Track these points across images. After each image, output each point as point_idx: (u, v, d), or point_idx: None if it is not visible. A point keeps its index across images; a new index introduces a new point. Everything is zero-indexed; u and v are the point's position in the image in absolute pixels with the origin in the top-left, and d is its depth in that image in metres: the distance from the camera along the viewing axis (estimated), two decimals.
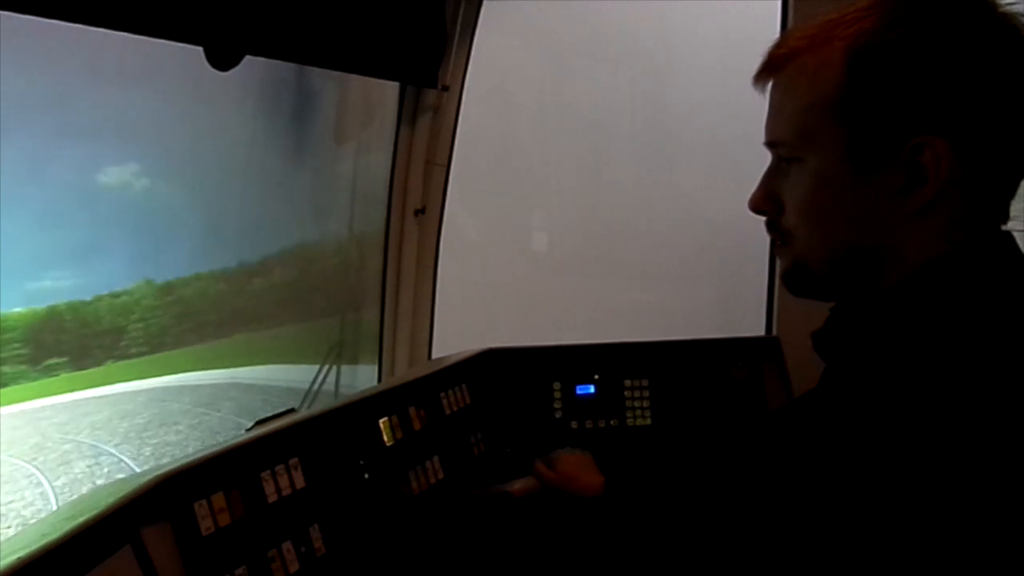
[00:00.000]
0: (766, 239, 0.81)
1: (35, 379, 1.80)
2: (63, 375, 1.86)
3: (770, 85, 0.75)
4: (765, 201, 0.77)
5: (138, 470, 1.92)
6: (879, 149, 0.67)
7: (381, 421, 1.31)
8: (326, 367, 1.94)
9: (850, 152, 0.69)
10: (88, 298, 1.85)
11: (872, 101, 0.67)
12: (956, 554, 0.56)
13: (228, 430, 2.20)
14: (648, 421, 1.67)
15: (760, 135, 0.78)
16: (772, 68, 0.74)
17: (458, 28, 1.85)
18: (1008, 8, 0.67)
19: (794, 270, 0.77)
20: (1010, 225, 0.72)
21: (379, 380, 1.98)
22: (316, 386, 1.89)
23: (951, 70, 0.64)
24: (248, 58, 1.31)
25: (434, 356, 1.97)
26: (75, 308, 1.85)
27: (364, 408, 1.30)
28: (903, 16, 0.66)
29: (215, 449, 1.03)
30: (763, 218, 0.79)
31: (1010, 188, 0.70)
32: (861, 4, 0.69)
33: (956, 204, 0.68)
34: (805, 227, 0.73)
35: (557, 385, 1.69)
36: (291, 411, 1.27)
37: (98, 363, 1.95)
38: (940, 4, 0.66)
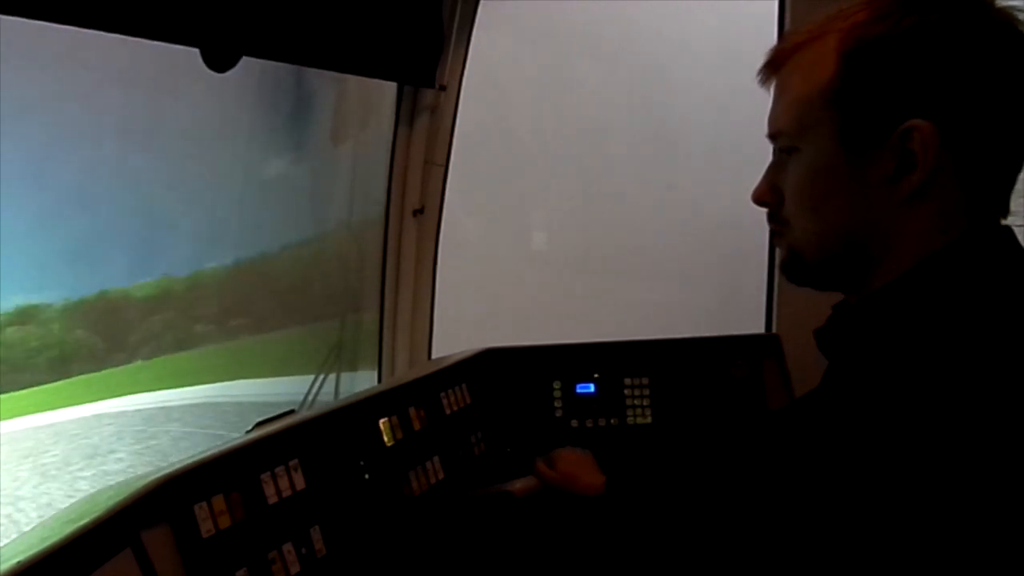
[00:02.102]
0: (766, 236, 0.82)
1: (219, 341, 1.85)
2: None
3: (774, 80, 0.77)
4: (767, 193, 0.79)
5: None
6: (870, 136, 0.69)
7: (381, 421, 1.31)
8: (323, 374, 1.93)
9: (843, 140, 0.70)
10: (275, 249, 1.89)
11: (863, 89, 0.69)
12: (962, 554, 0.56)
13: None
14: (648, 420, 1.67)
15: (758, 132, 0.79)
16: (774, 64, 0.77)
17: (455, 27, 1.85)
18: (1004, 4, 0.68)
19: (791, 258, 0.79)
20: (1010, 220, 0.72)
21: (379, 380, 1.98)
22: (311, 396, 1.88)
23: (938, 59, 0.66)
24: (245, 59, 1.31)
25: (434, 356, 1.97)
26: (257, 264, 1.87)
27: (364, 409, 1.29)
28: (895, 9, 0.68)
29: (215, 451, 1.03)
30: (765, 211, 0.80)
31: (1007, 179, 0.71)
32: (858, 0, 0.71)
33: (949, 193, 0.69)
34: (801, 215, 0.76)
35: (557, 384, 1.68)
36: (291, 412, 1.26)
37: (278, 326, 1.96)
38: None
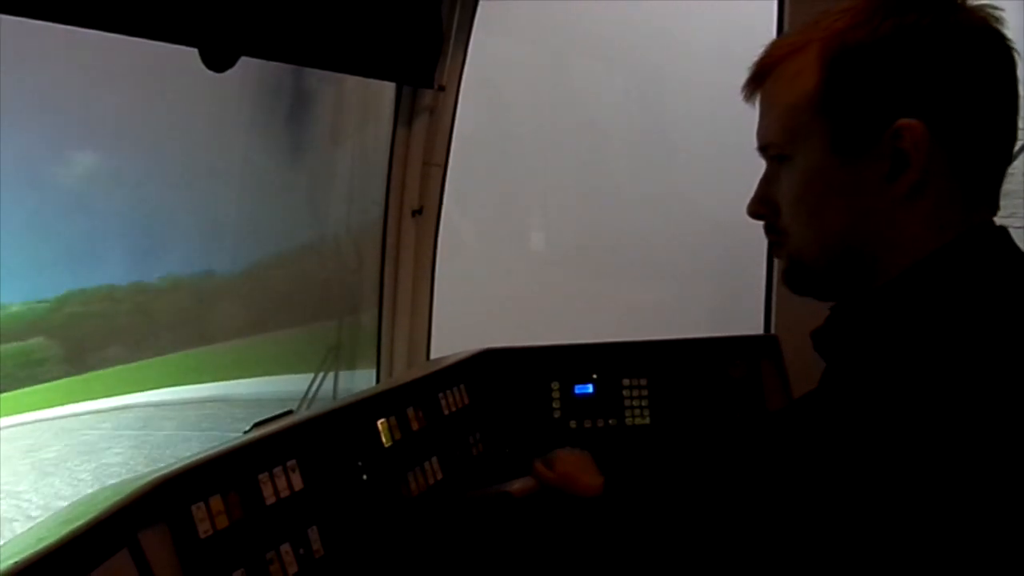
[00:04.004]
0: (764, 237, 0.82)
1: None
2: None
3: (758, 94, 0.79)
4: (761, 205, 0.80)
5: None
6: (861, 139, 0.70)
7: (379, 422, 1.31)
8: (322, 373, 1.93)
9: (834, 145, 0.71)
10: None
11: (849, 94, 0.70)
12: (961, 554, 0.56)
13: None
14: (647, 420, 1.67)
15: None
16: (758, 78, 0.78)
17: (454, 28, 1.85)
18: (974, 3, 0.70)
19: (792, 267, 0.79)
20: (1008, 221, 0.72)
21: (377, 381, 1.98)
22: (312, 392, 1.89)
23: (919, 59, 0.68)
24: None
25: (432, 357, 1.97)
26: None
27: (362, 409, 1.29)
28: (872, 14, 0.70)
29: (213, 451, 1.03)
30: (762, 223, 0.81)
31: (996, 174, 0.72)
32: (836, 9, 0.72)
33: (944, 191, 0.69)
34: (799, 222, 0.76)
35: (555, 385, 1.68)
36: (289, 413, 1.26)
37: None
38: (907, 2, 0.70)
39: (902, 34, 0.68)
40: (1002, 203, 0.74)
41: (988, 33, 0.69)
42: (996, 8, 0.70)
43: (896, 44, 0.68)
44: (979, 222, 0.71)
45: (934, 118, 0.67)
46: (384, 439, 1.30)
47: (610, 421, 1.67)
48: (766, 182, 0.79)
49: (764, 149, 0.79)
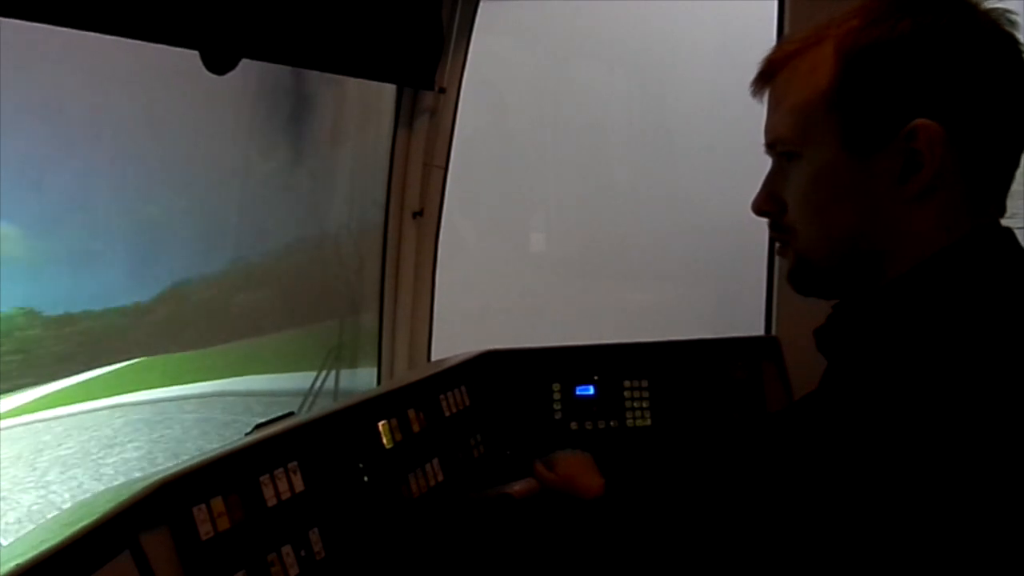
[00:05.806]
0: (765, 239, 0.82)
1: None
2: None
3: (767, 90, 0.78)
4: (767, 202, 0.79)
5: None
6: (874, 138, 0.69)
7: (380, 424, 1.31)
8: (323, 373, 1.93)
9: (846, 142, 0.71)
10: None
11: (865, 92, 0.69)
12: (962, 555, 0.56)
13: None
14: (648, 422, 1.67)
15: (758, 134, 0.79)
16: (768, 73, 0.77)
17: (455, 30, 1.85)
18: (989, 5, 0.70)
19: (798, 266, 0.78)
20: (1010, 222, 0.72)
21: (378, 382, 1.98)
22: (315, 388, 1.89)
23: (936, 60, 0.67)
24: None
25: (433, 358, 1.97)
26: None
27: (363, 411, 1.29)
28: (889, 13, 0.69)
29: (214, 453, 1.03)
30: (766, 220, 0.80)
31: (1005, 177, 0.72)
32: (850, 8, 0.72)
33: (954, 192, 0.69)
34: (807, 220, 0.75)
35: (556, 386, 1.68)
36: (290, 415, 1.26)
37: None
38: (924, 2, 0.69)
39: (920, 34, 0.68)
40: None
41: (1003, 36, 0.69)
42: (1011, 12, 0.70)
43: (914, 43, 0.68)
44: (985, 224, 0.70)
45: (949, 119, 0.67)
46: (385, 441, 1.30)
47: (611, 423, 1.67)
48: (772, 179, 0.79)
49: (772, 146, 0.78)
